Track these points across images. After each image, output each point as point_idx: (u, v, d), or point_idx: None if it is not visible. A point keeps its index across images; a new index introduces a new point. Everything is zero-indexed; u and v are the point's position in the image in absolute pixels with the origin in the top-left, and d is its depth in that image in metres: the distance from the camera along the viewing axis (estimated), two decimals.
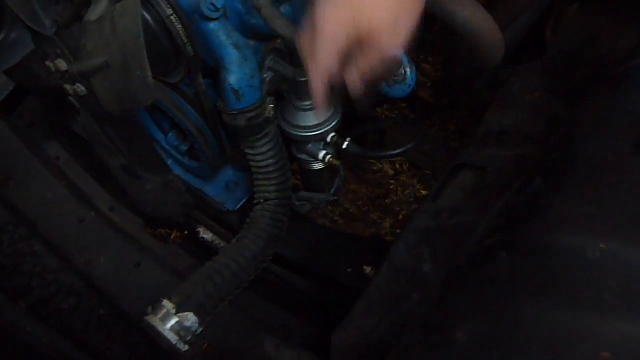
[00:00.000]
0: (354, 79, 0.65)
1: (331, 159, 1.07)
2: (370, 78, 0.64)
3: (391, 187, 1.85)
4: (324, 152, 1.07)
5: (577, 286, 0.42)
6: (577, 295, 0.42)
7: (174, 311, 0.89)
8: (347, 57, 0.63)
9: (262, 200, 1.05)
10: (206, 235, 1.27)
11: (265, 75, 1.02)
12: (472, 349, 0.47)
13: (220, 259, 0.97)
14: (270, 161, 1.02)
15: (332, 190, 1.09)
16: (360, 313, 0.90)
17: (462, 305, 0.51)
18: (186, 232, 1.30)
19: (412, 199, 1.79)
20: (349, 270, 1.06)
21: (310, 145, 1.07)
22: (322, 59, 0.63)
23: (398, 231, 1.70)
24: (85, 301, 1.05)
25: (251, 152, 1.01)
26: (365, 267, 1.00)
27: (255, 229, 1.02)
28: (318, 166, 1.11)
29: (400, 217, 1.77)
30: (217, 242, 1.26)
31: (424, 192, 1.78)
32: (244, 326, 0.97)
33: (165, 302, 0.91)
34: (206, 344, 0.97)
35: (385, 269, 0.92)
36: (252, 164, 1.04)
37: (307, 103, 1.00)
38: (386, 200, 1.81)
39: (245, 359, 0.92)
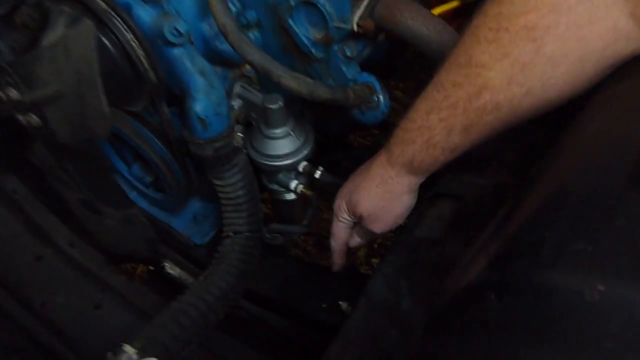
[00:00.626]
0: (355, 243, 0.90)
1: (303, 189, 1.03)
2: (366, 242, 0.91)
3: None
4: (295, 182, 1.03)
5: (576, 332, 0.39)
6: (576, 343, 0.38)
7: (135, 357, 0.83)
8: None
9: (231, 234, 1.00)
10: (173, 270, 1.20)
11: (233, 103, 0.97)
12: None
13: (186, 298, 0.91)
14: (240, 192, 0.97)
15: (305, 222, 1.04)
16: (336, 352, 0.84)
17: (448, 354, 0.47)
18: (151, 268, 1.23)
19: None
20: (323, 305, 1.01)
21: (281, 175, 1.02)
22: (336, 232, 0.87)
23: (373, 260, 1.66)
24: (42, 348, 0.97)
25: (219, 183, 0.96)
26: (341, 303, 0.95)
27: (224, 264, 0.97)
28: (290, 196, 1.06)
29: (375, 245, 1.72)
30: (185, 277, 1.20)
31: None
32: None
33: (127, 347, 0.84)
34: None
35: (362, 304, 0.87)
36: (220, 195, 0.98)
37: (278, 131, 0.96)
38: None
39: None
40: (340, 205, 0.84)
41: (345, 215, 0.84)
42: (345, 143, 1.48)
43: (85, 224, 1.01)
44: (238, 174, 0.95)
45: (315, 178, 1.01)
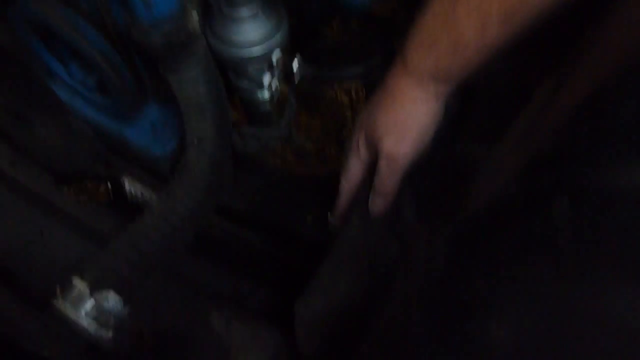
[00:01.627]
0: (375, 200, 0.70)
1: (279, 85, 0.86)
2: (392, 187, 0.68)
3: (347, 118, 1.66)
4: (268, 76, 0.86)
5: None
6: None
7: (87, 291, 0.69)
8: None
9: (195, 141, 0.83)
10: (133, 187, 1.05)
11: None
12: (517, 352, 0.30)
13: (146, 220, 0.76)
14: (201, 89, 0.80)
15: (283, 124, 0.88)
16: (328, 274, 0.72)
17: (493, 282, 0.34)
18: (109, 185, 1.07)
19: None
20: (309, 218, 0.88)
21: (250, 68, 0.85)
22: (351, 168, 0.72)
23: None
24: None
25: (174, 78, 0.79)
26: (329, 216, 0.81)
27: (189, 177, 0.81)
28: (263, 95, 0.89)
29: None
30: (149, 195, 1.04)
31: None
32: (185, 299, 0.78)
33: (77, 281, 0.70)
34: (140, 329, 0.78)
35: (355, 216, 0.74)
36: (178, 94, 0.81)
37: (243, 11, 0.77)
38: (342, 133, 1.61)
39: (189, 342, 0.74)
40: (359, 138, 0.69)
41: (364, 150, 0.69)
42: (324, 33, 1.29)
43: (13, 136, 0.84)
44: (196, 66, 0.77)
45: (293, 71, 0.84)
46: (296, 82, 0.90)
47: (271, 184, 0.97)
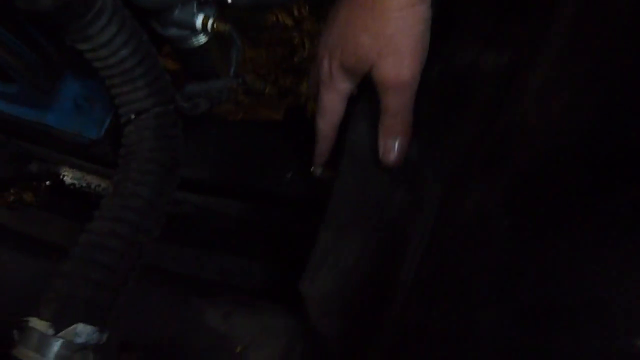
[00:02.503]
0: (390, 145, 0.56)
1: (216, 24, 0.71)
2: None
3: (295, 41, 1.49)
4: (201, 15, 0.70)
5: None
6: None
7: (51, 331, 0.57)
8: None
9: (132, 116, 0.68)
10: (76, 179, 0.90)
11: None
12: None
13: (97, 227, 0.63)
14: (123, 52, 0.64)
15: (232, 70, 0.73)
16: (329, 242, 0.60)
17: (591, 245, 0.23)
18: (47, 183, 0.92)
19: None
20: (288, 175, 0.75)
21: (177, 12, 0.69)
22: (328, 106, 0.60)
23: None
24: None
25: (87, 47, 0.63)
26: (313, 168, 0.69)
27: (136, 161, 0.67)
28: (199, 40, 0.74)
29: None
30: (96, 185, 0.90)
31: None
32: (170, 302, 0.66)
33: (35, 322, 0.57)
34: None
35: (347, 164, 0.62)
36: (97, 65, 0.65)
37: None
38: (294, 59, 1.45)
39: (186, 352, 0.63)
40: (332, 66, 0.56)
41: (341, 80, 0.57)
42: None
43: None
44: (110, 25, 0.61)
45: (227, 3, 0.68)
46: (235, 17, 0.74)
47: (234, 142, 0.83)
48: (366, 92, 0.58)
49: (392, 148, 0.56)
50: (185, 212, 0.84)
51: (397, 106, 0.53)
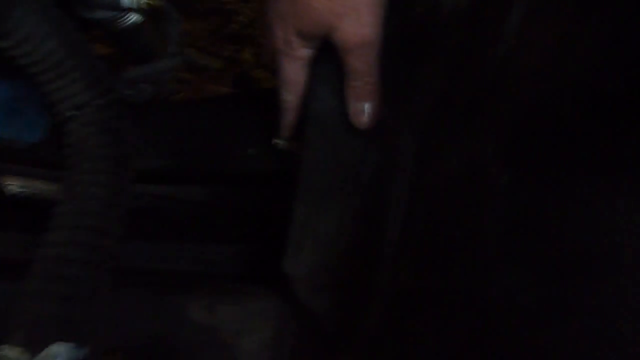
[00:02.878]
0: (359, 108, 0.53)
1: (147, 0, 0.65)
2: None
3: (230, 7, 1.43)
4: None
5: None
6: None
7: (26, 357, 0.52)
8: None
9: (74, 112, 0.63)
10: (21, 187, 0.83)
11: None
12: None
13: (55, 238, 0.58)
14: (50, 44, 0.58)
15: (173, 47, 0.68)
16: (306, 216, 0.58)
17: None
18: None
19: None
20: (250, 151, 0.71)
21: None
22: (291, 76, 0.55)
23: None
24: None
25: (9, 45, 0.56)
26: (275, 140, 0.65)
27: (85, 161, 0.62)
28: (132, 18, 0.67)
29: (260, 40, 1.37)
30: (44, 190, 0.83)
31: None
32: (149, 303, 0.63)
33: (7, 350, 0.53)
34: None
35: (313, 132, 0.58)
36: (22, 62, 0.59)
37: None
38: (233, 26, 1.39)
39: (174, 352, 0.60)
40: (288, 34, 0.52)
41: (300, 46, 0.53)
42: None
43: None
44: (28, 16, 0.55)
45: None
46: None
47: (185, 123, 0.78)
48: (323, 54, 0.55)
49: (362, 111, 0.53)
50: (147, 205, 0.79)
51: (362, 67, 0.50)
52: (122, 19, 0.66)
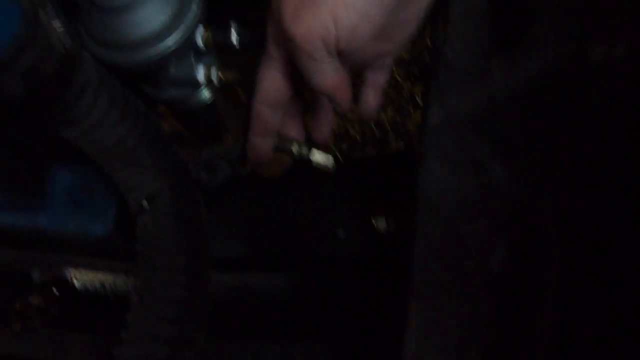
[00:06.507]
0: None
1: (221, 74, 0.59)
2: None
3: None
4: (202, 67, 0.58)
5: None
6: None
7: None
8: None
9: (145, 203, 0.56)
10: (87, 281, 0.77)
11: None
12: None
13: (130, 351, 0.50)
14: (121, 131, 0.52)
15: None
16: (424, 312, 0.47)
17: None
18: (55, 292, 0.79)
19: None
20: (340, 232, 0.62)
21: (173, 69, 0.57)
22: (328, 76, 0.43)
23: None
24: None
25: (74, 132, 0.50)
26: (374, 220, 0.56)
27: (159, 258, 0.54)
28: (204, 96, 0.62)
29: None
30: (111, 283, 0.77)
31: None
32: None
33: None
34: None
35: (424, 213, 0.49)
36: (89, 150, 0.53)
37: None
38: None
39: None
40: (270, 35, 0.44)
41: (274, 47, 0.45)
42: None
43: None
44: (98, 102, 0.49)
45: (232, 45, 0.56)
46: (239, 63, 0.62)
47: (265, 203, 0.70)
48: (439, 124, 0.46)
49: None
50: (223, 297, 0.71)
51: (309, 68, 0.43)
52: (195, 96, 0.60)
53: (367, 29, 0.40)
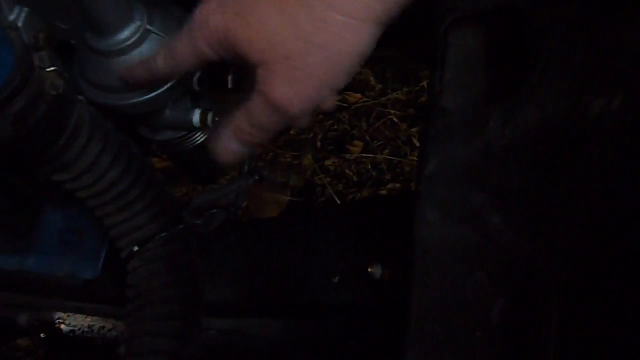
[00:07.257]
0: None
1: (217, 117, 0.58)
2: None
3: None
4: (198, 111, 0.58)
5: None
6: None
7: None
8: None
9: (135, 248, 0.55)
10: (75, 325, 0.75)
11: (12, 16, 0.48)
12: None
13: None
14: (113, 175, 0.51)
15: (247, 167, 0.60)
16: None
17: None
18: (42, 336, 0.77)
19: (321, 116, 1.34)
20: (334, 280, 0.61)
21: (169, 112, 0.57)
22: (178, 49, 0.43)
23: (328, 163, 1.26)
24: None
25: (66, 176, 0.49)
26: (370, 268, 0.55)
27: (150, 306, 0.53)
28: (199, 139, 0.61)
29: (319, 144, 1.32)
30: (100, 327, 0.75)
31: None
32: None
33: None
34: None
35: (421, 262, 0.48)
36: (81, 195, 0.52)
37: (122, 33, 0.48)
38: (290, 133, 1.34)
39: None
40: (208, 39, 0.41)
41: (209, 50, 0.42)
42: None
43: None
44: (91, 145, 0.48)
45: (228, 87, 0.56)
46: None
47: (258, 247, 0.69)
48: (433, 172, 0.46)
49: (233, 151, 0.45)
50: (214, 342, 0.69)
51: (266, 123, 0.43)
52: (190, 139, 0.60)
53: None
